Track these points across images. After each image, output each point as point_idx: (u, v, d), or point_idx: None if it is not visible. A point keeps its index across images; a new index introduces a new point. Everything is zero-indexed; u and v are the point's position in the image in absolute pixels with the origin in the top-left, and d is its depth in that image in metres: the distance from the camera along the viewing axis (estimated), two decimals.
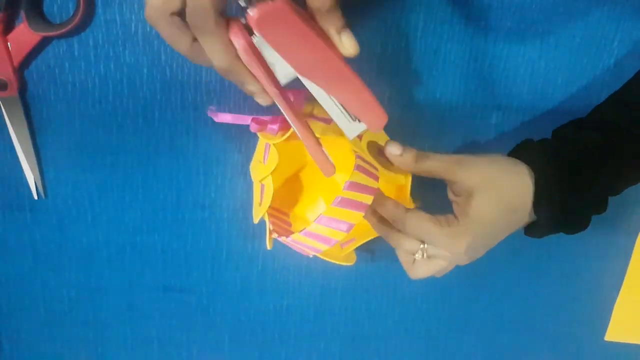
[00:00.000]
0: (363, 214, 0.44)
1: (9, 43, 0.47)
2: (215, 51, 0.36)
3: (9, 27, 0.47)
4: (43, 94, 0.50)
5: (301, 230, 0.44)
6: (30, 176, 0.52)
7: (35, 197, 0.53)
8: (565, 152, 0.45)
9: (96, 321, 0.59)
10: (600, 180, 0.45)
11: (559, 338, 0.64)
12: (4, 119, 0.50)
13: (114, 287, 0.58)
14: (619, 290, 0.62)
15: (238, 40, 0.36)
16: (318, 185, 0.55)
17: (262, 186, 0.48)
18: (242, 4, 0.34)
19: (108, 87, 0.50)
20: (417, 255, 0.46)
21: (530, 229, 0.47)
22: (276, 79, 0.38)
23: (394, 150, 0.45)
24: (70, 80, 0.49)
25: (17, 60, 0.48)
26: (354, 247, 0.54)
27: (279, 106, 0.38)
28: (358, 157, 0.44)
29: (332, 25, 0.36)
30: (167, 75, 0.50)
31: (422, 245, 0.45)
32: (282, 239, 0.47)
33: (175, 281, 0.58)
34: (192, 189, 0.54)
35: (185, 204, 0.55)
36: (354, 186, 0.43)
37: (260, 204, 0.48)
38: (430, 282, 0.60)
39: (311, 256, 0.48)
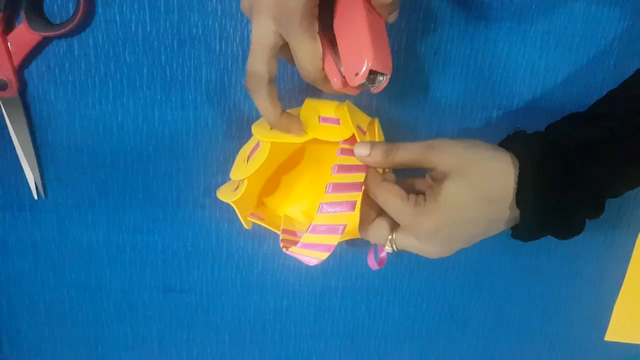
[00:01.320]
0: (360, 193, 0.43)
1: (9, 43, 0.47)
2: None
3: (9, 27, 0.47)
4: (43, 94, 0.50)
5: (308, 229, 0.44)
6: (30, 176, 0.52)
7: (35, 197, 0.53)
8: (558, 145, 0.41)
9: (96, 321, 0.59)
10: (598, 180, 0.41)
11: (559, 338, 0.64)
12: (4, 119, 0.50)
13: (114, 287, 0.58)
14: (619, 290, 0.62)
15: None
16: (306, 187, 0.55)
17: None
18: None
19: (108, 87, 0.50)
20: (386, 248, 0.44)
21: (516, 230, 0.42)
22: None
23: (361, 151, 0.43)
24: (70, 80, 0.49)
25: (17, 60, 0.48)
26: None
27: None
28: (342, 142, 0.44)
29: None
30: (167, 75, 0.50)
31: (390, 237, 0.44)
32: (292, 250, 0.47)
33: (175, 281, 0.58)
34: (192, 189, 0.54)
35: (185, 204, 0.55)
36: (341, 169, 0.42)
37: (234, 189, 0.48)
38: (430, 282, 0.60)
39: (315, 263, 0.47)
